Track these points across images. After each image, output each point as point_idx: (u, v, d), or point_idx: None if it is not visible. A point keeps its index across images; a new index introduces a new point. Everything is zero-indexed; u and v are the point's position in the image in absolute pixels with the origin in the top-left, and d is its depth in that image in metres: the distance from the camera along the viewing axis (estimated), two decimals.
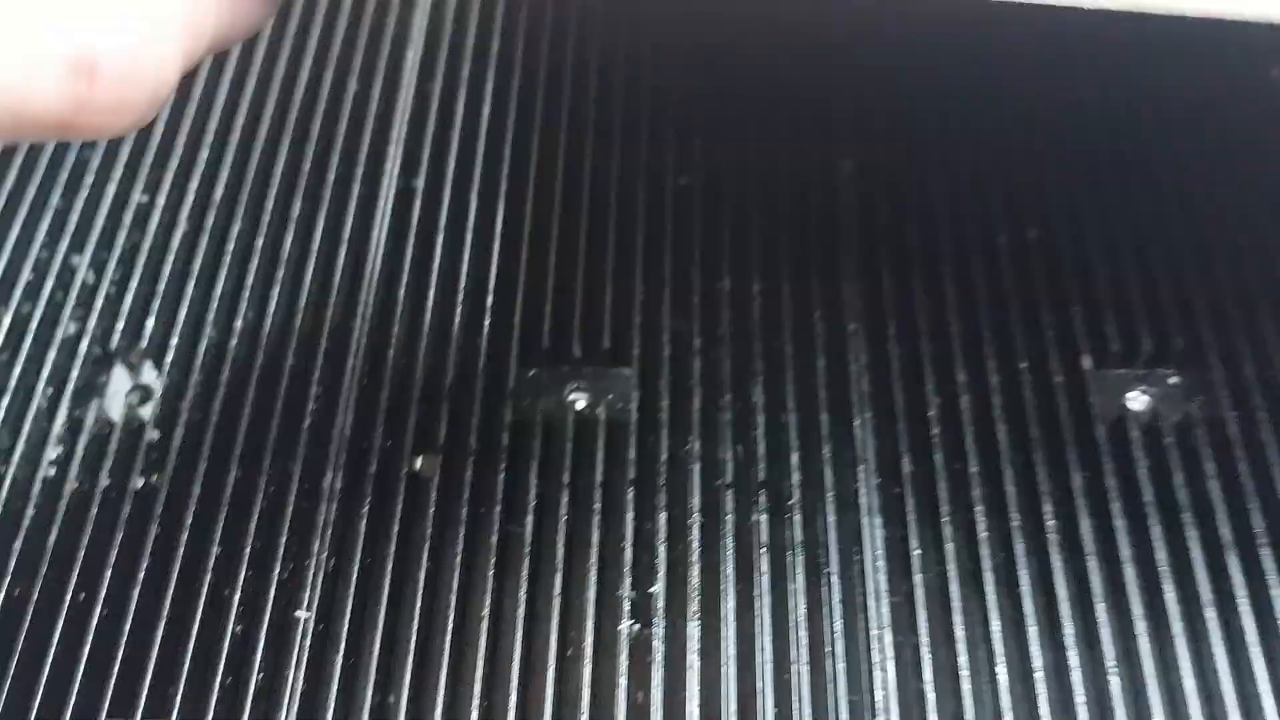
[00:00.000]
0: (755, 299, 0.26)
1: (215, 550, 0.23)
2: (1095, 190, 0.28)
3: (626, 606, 0.22)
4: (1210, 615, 0.22)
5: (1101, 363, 0.25)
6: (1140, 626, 0.22)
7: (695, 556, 0.23)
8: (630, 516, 0.23)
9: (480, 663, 0.22)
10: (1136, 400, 0.25)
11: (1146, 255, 0.27)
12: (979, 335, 0.25)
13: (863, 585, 0.22)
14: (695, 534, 0.23)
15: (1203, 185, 0.28)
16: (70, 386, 0.25)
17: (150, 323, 0.26)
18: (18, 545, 0.23)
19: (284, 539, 0.23)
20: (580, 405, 0.25)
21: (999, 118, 0.29)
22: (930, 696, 0.21)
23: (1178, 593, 0.22)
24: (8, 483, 0.24)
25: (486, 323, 0.26)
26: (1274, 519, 0.23)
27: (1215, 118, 0.29)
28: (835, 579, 0.22)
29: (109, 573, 0.23)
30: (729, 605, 0.22)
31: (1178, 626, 0.22)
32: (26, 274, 0.27)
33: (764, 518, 0.23)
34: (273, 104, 0.30)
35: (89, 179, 0.28)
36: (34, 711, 0.21)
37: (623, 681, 0.21)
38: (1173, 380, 0.25)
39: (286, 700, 0.21)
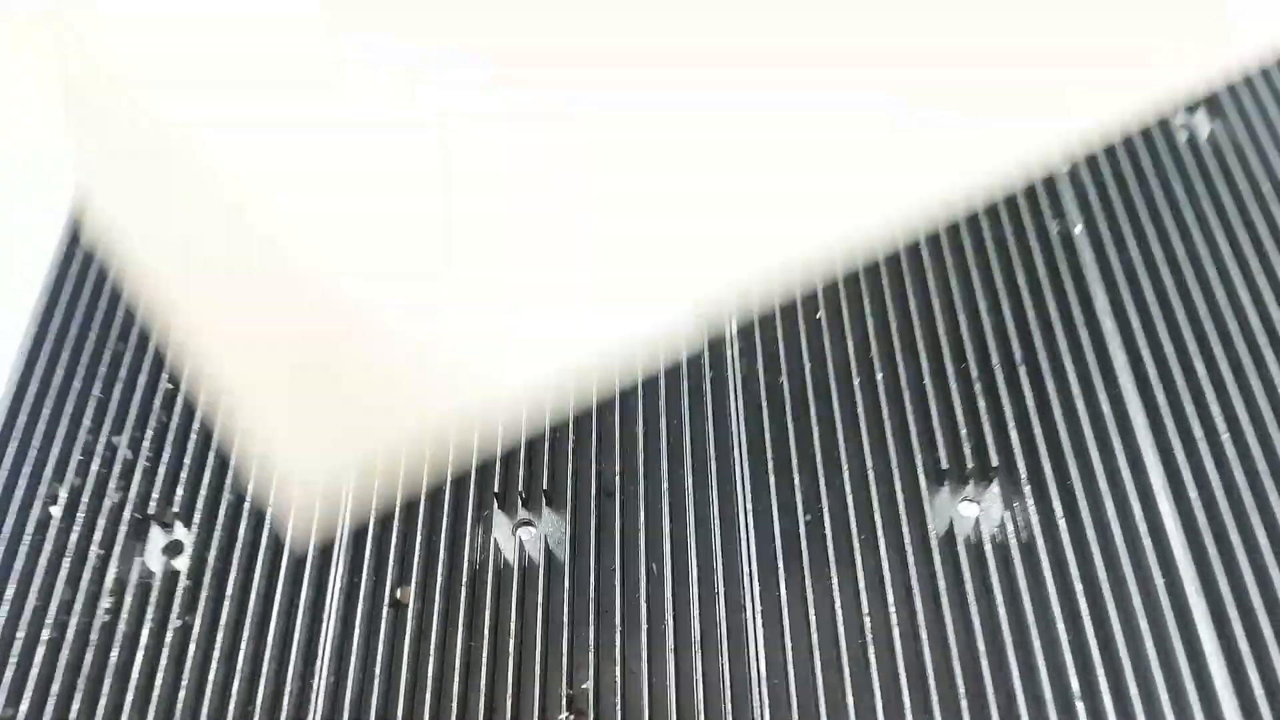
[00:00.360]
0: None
1: (239, 673, 0.29)
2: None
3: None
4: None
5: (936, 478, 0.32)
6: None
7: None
8: None
9: None
10: (966, 508, 0.31)
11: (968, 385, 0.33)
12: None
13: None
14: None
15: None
16: (117, 546, 0.31)
17: (179, 489, 0.32)
18: (81, 680, 0.29)
19: (293, 663, 0.29)
20: None
21: None
22: None
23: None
24: (72, 630, 0.30)
25: None
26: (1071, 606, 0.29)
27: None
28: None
29: (155, 694, 0.29)
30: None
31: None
32: (77, 455, 0.33)
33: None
34: None
35: (124, 371, 0.35)
36: None
37: None
38: (993, 491, 0.31)
39: None
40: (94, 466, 0.33)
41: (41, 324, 0.35)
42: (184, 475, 0.33)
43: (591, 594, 0.30)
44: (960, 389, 0.33)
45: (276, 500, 0.32)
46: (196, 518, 0.32)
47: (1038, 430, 0.32)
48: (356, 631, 0.29)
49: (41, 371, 0.34)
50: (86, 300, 0.36)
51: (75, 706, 0.29)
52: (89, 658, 0.29)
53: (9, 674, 0.29)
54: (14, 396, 0.34)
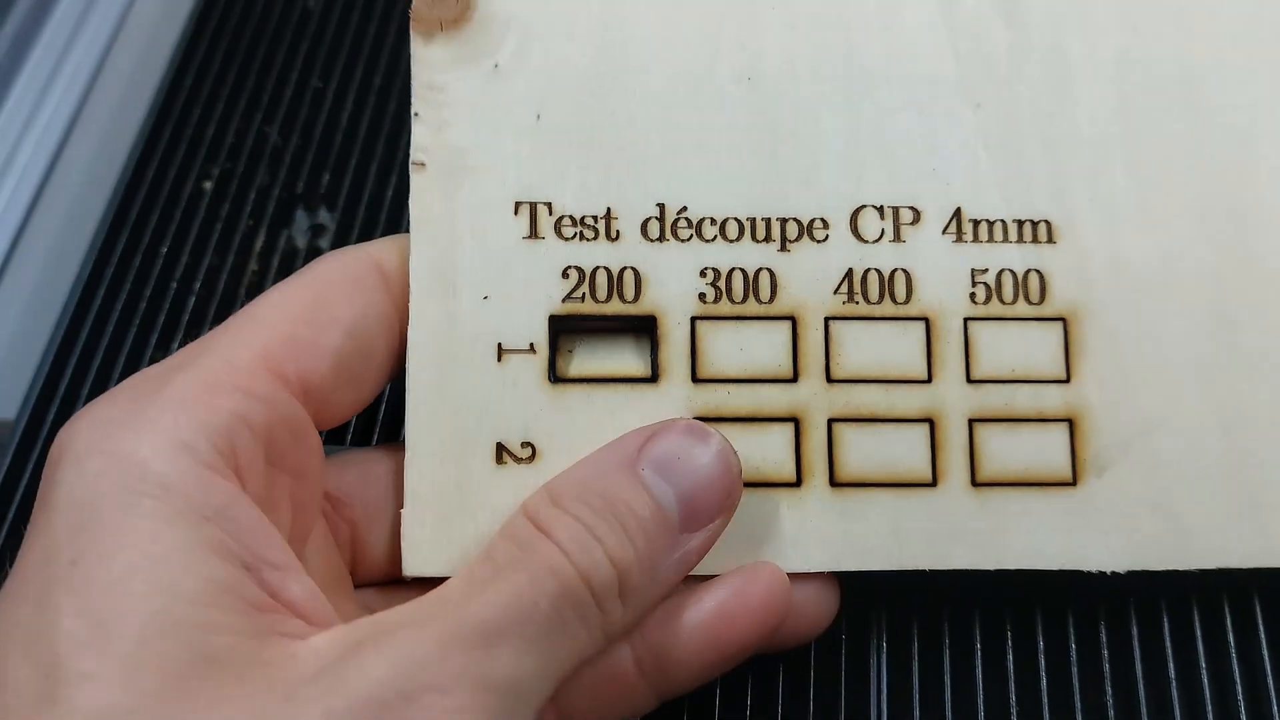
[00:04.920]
0: None
1: None
2: None
3: None
4: None
5: None
6: None
7: None
8: None
9: None
10: None
11: None
12: None
13: None
14: None
15: None
16: (266, 221, 0.32)
17: (325, 176, 0.33)
18: None
19: None
20: None
21: None
22: None
23: None
24: (220, 290, 0.31)
25: None
26: None
27: None
28: None
29: None
30: None
31: None
32: (230, 138, 0.34)
33: None
34: None
35: (274, 72, 0.35)
36: None
37: None
38: None
39: None
40: (246, 150, 0.34)
41: (202, 16, 0.36)
42: (330, 163, 0.33)
43: None
44: None
45: None
46: (340, 203, 0.33)
47: None
48: None
49: (201, 58, 0.35)
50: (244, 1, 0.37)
51: None
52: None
53: (160, 319, 0.31)
54: (173, 80, 0.35)
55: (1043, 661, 0.26)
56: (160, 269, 0.31)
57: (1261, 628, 0.26)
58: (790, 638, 0.23)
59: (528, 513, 0.20)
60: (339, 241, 0.32)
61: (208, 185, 0.33)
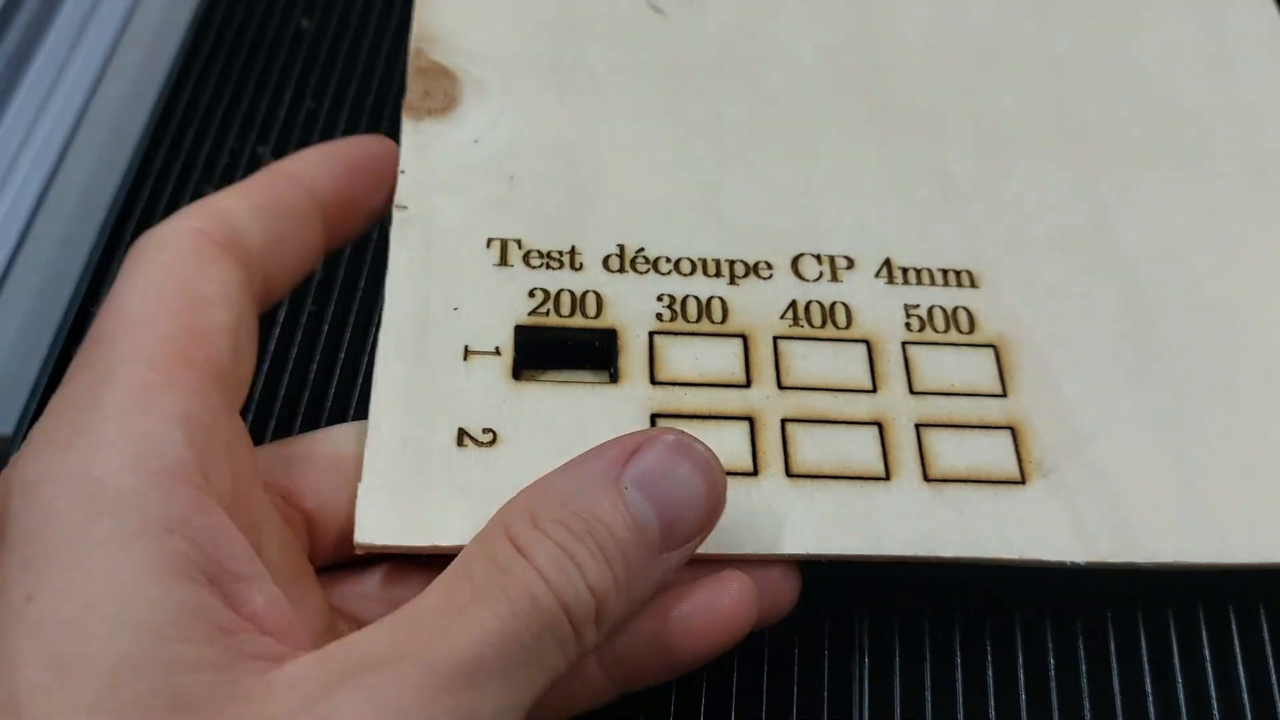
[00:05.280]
0: None
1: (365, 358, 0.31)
2: None
3: None
4: None
5: None
6: None
7: None
8: None
9: None
10: None
11: None
12: None
13: None
14: None
15: None
16: None
17: None
18: None
19: None
20: None
21: None
22: None
23: None
24: None
25: None
26: None
27: None
28: None
29: (287, 372, 0.31)
30: None
31: None
32: (224, 158, 0.35)
33: None
34: None
35: (268, 93, 0.36)
36: None
37: None
38: None
39: None
40: (239, 171, 0.34)
41: (197, 38, 0.37)
42: None
43: None
44: None
45: None
46: None
47: None
48: None
49: (195, 79, 0.36)
50: (241, 17, 0.37)
51: None
52: None
53: None
54: (169, 100, 0.35)
55: (1021, 676, 0.26)
56: None
57: (1236, 642, 0.26)
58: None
59: (507, 532, 0.19)
60: (331, 259, 0.33)
61: None
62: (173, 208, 0.33)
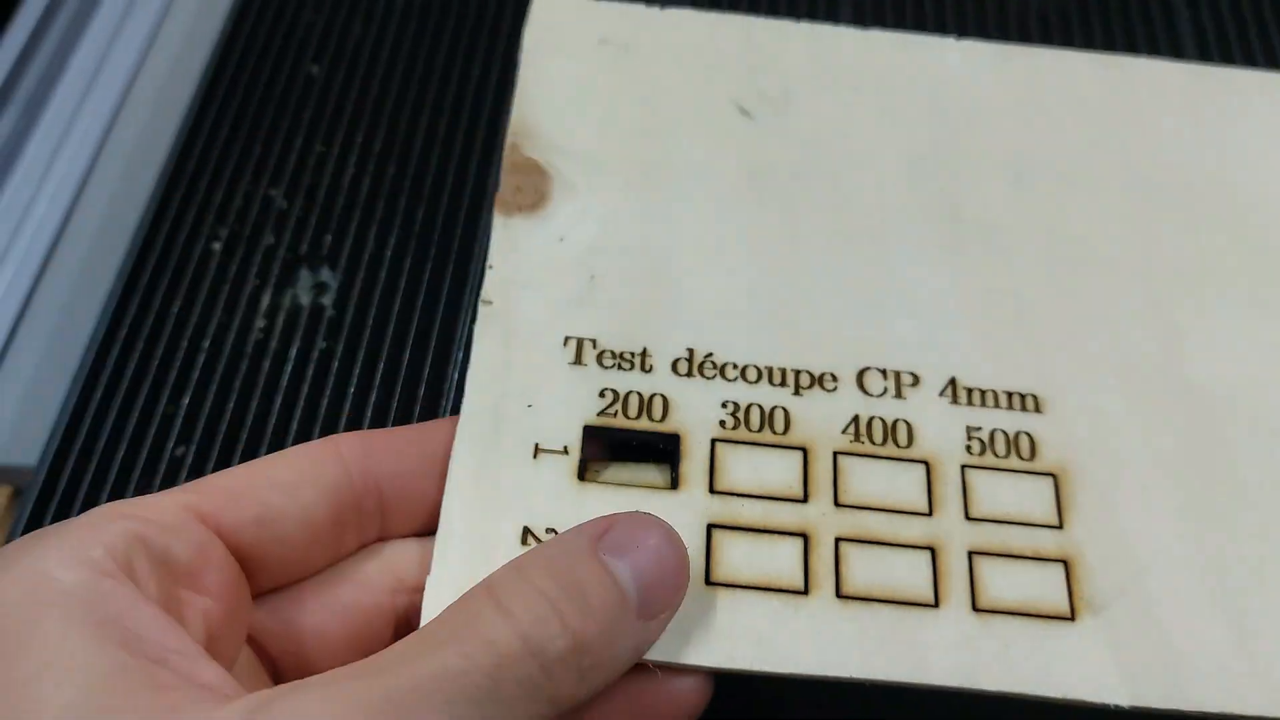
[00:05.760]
0: None
1: (374, 391, 0.32)
2: None
3: None
4: None
5: None
6: None
7: None
8: None
9: None
10: None
11: None
12: None
13: None
14: None
15: None
16: (271, 280, 0.35)
17: (327, 237, 0.35)
18: (234, 389, 0.32)
19: (421, 391, 0.32)
20: None
21: None
22: None
23: None
24: (228, 346, 0.33)
25: None
26: None
27: None
28: None
29: (299, 406, 0.32)
30: None
31: None
32: (237, 201, 0.36)
33: None
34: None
35: (280, 137, 0.38)
36: None
37: None
38: None
39: None
40: (252, 213, 0.36)
41: (210, 84, 0.38)
42: (331, 225, 0.36)
43: None
44: None
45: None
46: (342, 263, 0.35)
47: None
48: None
49: (210, 125, 0.37)
50: (253, 65, 0.39)
51: (229, 407, 0.32)
52: (243, 367, 0.33)
53: (172, 375, 0.33)
54: (184, 146, 0.37)
55: None
56: (172, 325, 0.33)
57: None
58: None
59: (488, 582, 0.21)
60: (341, 299, 0.34)
61: (216, 246, 0.35)
62: (188, 249, 0.35)
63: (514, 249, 0.29)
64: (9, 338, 0.35)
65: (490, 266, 0.28)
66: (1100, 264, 0.30)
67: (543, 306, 0.28)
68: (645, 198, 0.30)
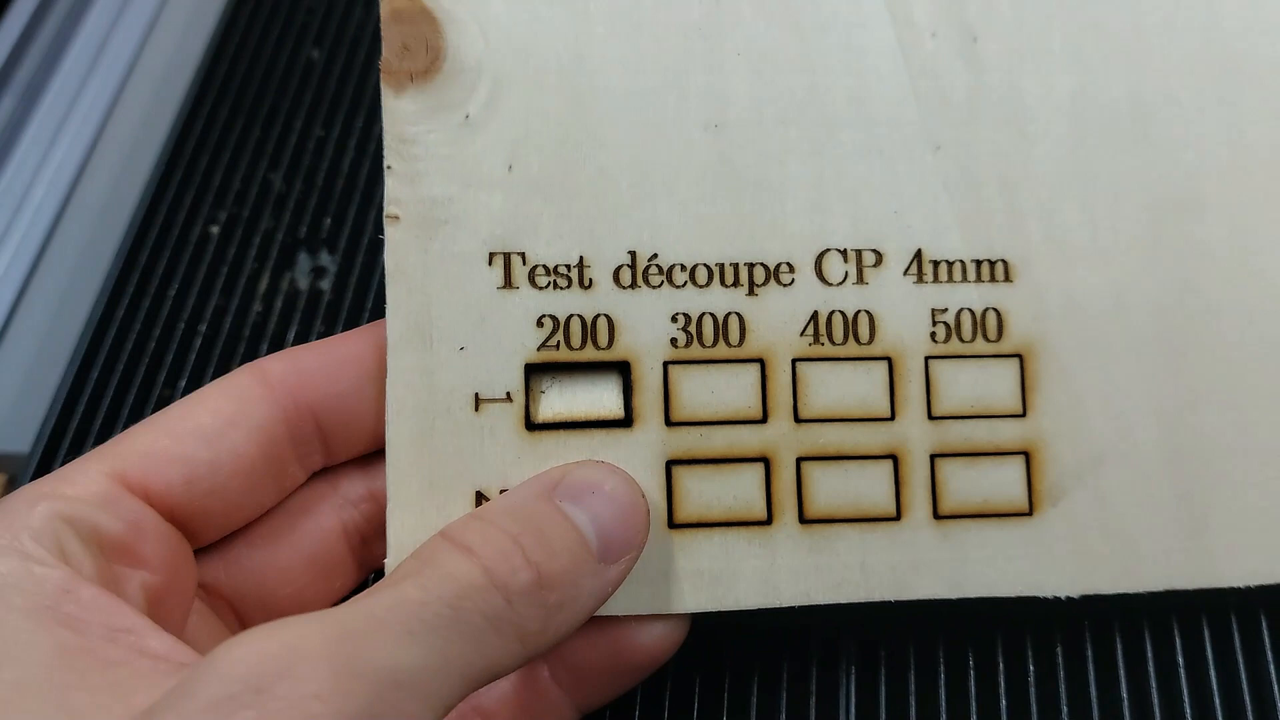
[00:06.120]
0: None
1: None
2: None
3: None
4: None
5: None
6: None
7: None
8: None
9: None
10: None
11: None
12: None
13: None
14: None
15: None
16: (270, 264, 0.34)
17: (326, 220, 0.35)
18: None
19: None
20: None
21: None
22: None
23: None
24: (225, 330, 0.33)
25: None
26: None
27: None
28: None
29: None
30: None
31: None
32: (236, 185, 0.36)
33: None
34: None
35: (279, 121, 0.37)
36: None
37: None
38: None
39: None
40: (251, 196, 0.35)
41: (210, 68, 0.38)
42: (331, 209, 0.35)
43: None
44: None
45: None
46: (341, 246, 0.34)
47: None
48: None
49: (209, 108, 0.37)
50: (253, 48, 0.39)
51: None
52: (240, 350, 0.32)
53: (169, 359, 0.32)
54: (183, 128, 0.36)
55: (1003, 689, 0.27)
56: (169, 309, 0.33)
57: (1209, 647, 0.27)
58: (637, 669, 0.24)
59: (444, 530, 0.20)
60: (340, 283, 0.34)
61: (214, 230, 0.35)
62: (186, 232, 0.34)
63: (414, 139, 0.25)
64: (6, 322, 0.34)
65: (388, 167, 0.24)
66: (1094, 130, 0.27)
67: (460, 215, 0.25)
68: (560, 61, 0.26)
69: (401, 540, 0.23)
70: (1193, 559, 0.25)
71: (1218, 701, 0.27)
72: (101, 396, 0.32)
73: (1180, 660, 0.27)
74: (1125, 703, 0.27)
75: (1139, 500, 0.26)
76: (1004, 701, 0.27)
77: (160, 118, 0.38)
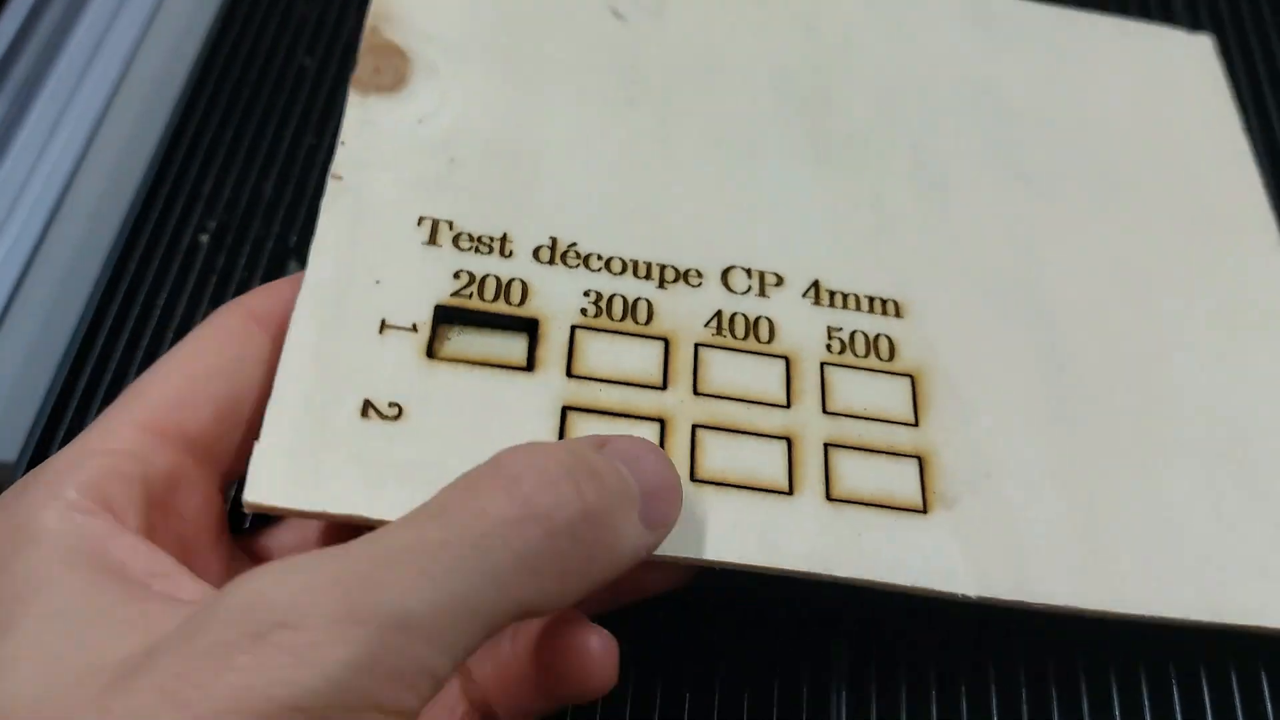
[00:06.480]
0: None
1: None
2: None
3: None
4: None
5: None
6: None
7: None
8: None
9: None
10: None
11: None
12: None
13: None
14: None
15: None
16: (260, 271, 0.34)
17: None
18: None
19: None
20: None
21: None
22: None
23: None
24: None
25: None
26: None
27: None
28: None
29: None
30: None
31: None
32: (227, 192, 0.36)
33: None
34: None
35: (270, 128, 0.37)
36: None
37: None
38: None
39: None
40: (242, 204, 0.35)
41: (202, 75, 0.38)
42: None
43: None
44: None
45: None
46: None
47: None
48: None
49: (200, 115, 0.37)
50: (245, 55, 0.38)
51: None
52: None
53: None
54: (173, 135, 0.36)
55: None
56: (158, 317, 0.33)
57: (1175, 686, 0.28)
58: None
59: (496, 457, 0.19)
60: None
61: (204, 238, 0.34)
62: (176, 240, 0.34)
63: (369, 127, 0.28)
64: None
65: (342, 143, 0.28)
66: (964, 181, 0.31)
67: (396, 186, 0.27)
68: (511, 87, 0.30)
69: (276, 427, 0.23)
70: (1090, 576, 0.25)
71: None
72: (90, 405, 0.31)
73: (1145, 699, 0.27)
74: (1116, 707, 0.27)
75: (1030, 516, 0.25)
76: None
77: (151, 125, 0.38)
